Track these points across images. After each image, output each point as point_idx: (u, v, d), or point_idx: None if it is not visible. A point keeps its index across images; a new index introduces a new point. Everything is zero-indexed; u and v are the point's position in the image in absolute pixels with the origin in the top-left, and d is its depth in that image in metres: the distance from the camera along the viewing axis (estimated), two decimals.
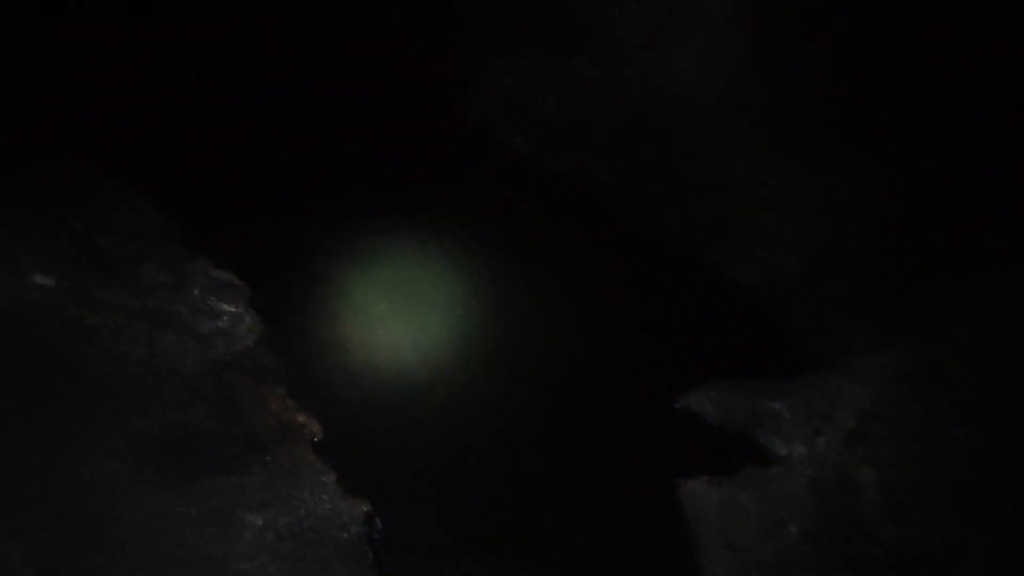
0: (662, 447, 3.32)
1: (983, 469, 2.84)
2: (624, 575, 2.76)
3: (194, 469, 2.41)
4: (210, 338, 2.98)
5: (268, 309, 3.28)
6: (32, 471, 2.27)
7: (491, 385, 3.31)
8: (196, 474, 2.39)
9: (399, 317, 3.56)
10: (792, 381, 3.45)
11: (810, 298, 4.08)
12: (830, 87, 4.81)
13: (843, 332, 3.79)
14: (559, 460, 3.11)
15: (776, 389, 3.40)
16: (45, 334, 2.66)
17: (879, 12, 4.44)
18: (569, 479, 3.05)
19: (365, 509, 2.52)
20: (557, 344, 3.65)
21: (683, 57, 5.53)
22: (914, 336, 3.33)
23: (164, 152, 4.26)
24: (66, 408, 2.47)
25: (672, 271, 4.50)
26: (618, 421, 3.41)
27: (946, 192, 3.75)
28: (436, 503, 2.81)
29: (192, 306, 3.10)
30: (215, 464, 2.46)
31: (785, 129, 5.06)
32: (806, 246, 4.42)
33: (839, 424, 3.16)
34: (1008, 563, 2.57)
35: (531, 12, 6.31)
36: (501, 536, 2.77)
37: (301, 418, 2.85)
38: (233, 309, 3.19)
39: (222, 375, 2.83)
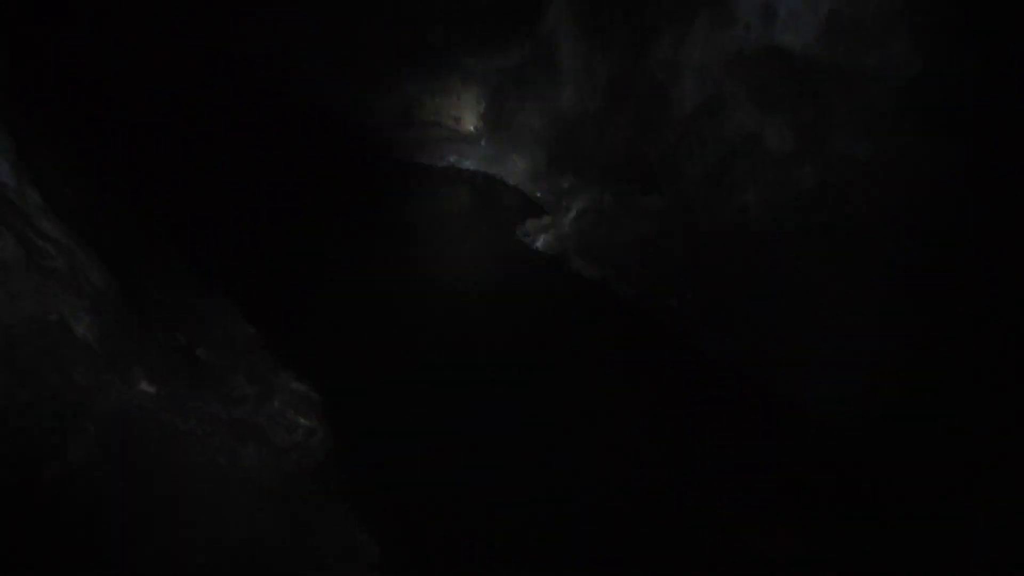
0: None
1: None
2: None
3: None
4: (286, 451, 3.11)
5: (340, 424, 3.42)
6: None
7: (554, 512, 3.22)
8: None
9: (468, 441, 3.60)
10: (871, 532, 3.18)
11: (888, 441, 3.81)
12: (898, 220, 4.81)
13: (925, 486, 3.48)
14: None
15: (855, 540, 3.13)
16: (142, 437, 2.87)
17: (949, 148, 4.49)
18: None
19: None
20: (621, 474, 3.54)
21: (748, 192, 5.74)
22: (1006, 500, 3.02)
23: (260, 270, 4.77)
24: (150, 512, 2.60)
25: (740, 398, 4.38)
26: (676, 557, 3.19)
27: None
28: None
29: (272, 418, 3.27)
30: None
31: (856, 260, 5.02)
32: (883, 383, 4.21)
33: None
34: None
35: (605, 156, 6.81)
36: None
37: (362, 537, 2.86)
38: (308, 423, 3.35)
39: (293, 488, 2.93)
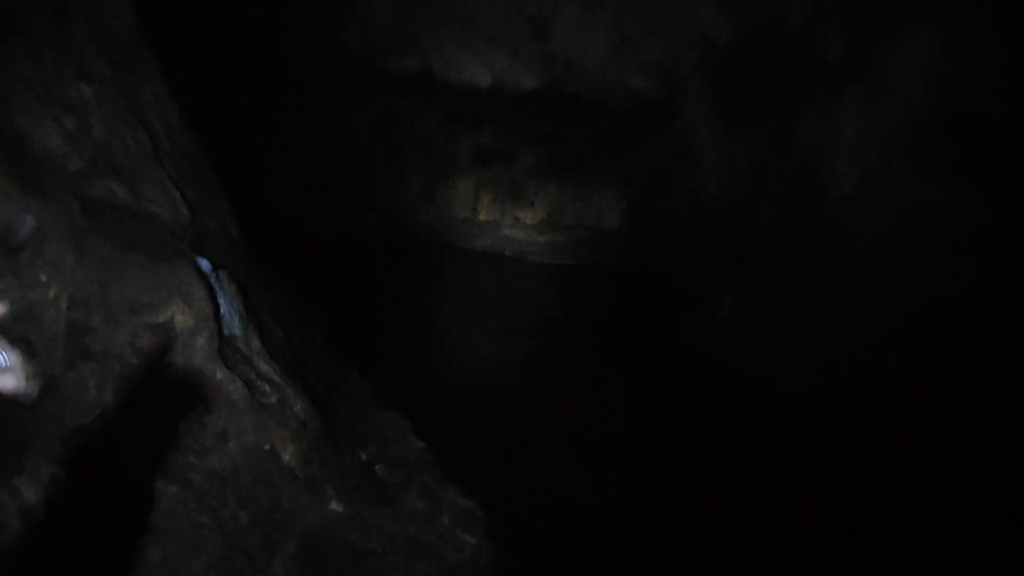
0: None
1: None
2: None
3: None
4: (455, 570, 3.21)
5: (506, 544, 3.47)
6: None
7: None
8: None
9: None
10: None
11: None
12: None
13: None
14: None
15: None
16: (332, 554, 3.15)
17: None
18: None
19: None
20: None
21: (938, 268, 5.10)
22: None
23: (432, 386, 5.15)
24: None
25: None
26: None
27: None
28: None
29: (441, 535, 3.42)
30: None
31: None
32: None
33: None
34: None
35: (756, 242, 6.57)
36: None
37: None
38: (474, 540, 3.44)
39: None
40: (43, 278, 2.42)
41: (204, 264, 2.94)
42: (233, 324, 3.10)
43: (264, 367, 3.18)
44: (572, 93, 8.61)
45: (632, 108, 8.42)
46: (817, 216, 6.00)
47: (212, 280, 2.95)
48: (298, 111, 8.77)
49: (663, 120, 8.12)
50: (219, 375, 2.79)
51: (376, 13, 8.16)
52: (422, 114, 8.68)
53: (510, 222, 8.48)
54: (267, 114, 8.64)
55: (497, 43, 8.27)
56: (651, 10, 7.79)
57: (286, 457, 3.05)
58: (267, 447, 2.99)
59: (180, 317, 2.66)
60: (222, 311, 3.01)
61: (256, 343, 3.22)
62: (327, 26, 8.28)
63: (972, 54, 5.25)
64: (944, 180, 5.22)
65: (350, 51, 8.40)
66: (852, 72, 6.00)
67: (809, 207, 6.24)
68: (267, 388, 3.10)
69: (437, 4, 7.97)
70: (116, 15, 3.12)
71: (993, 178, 4.88)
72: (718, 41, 7.48)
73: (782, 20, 6.69)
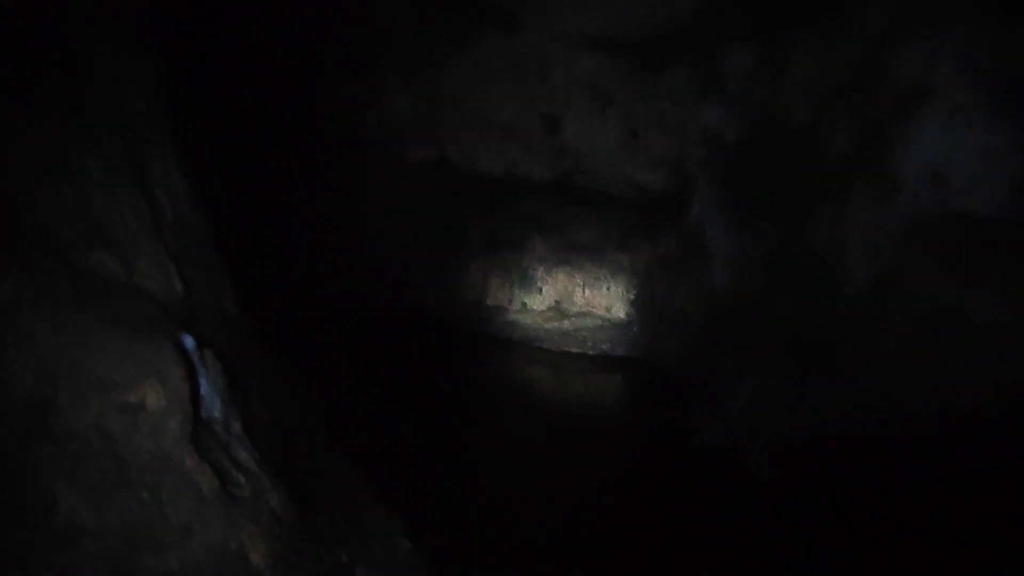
0: None
1: None
2: None
3: None
4: None
5: None
6: None
7: None
8: None
9: None
10: None
11: None
12: None
13: None
14: None
15: None
16: None
17: None
18: None
19: None
20: None
21: (964, 371, 4.84)
22: None
23: (426, 483, 4.80)
24: None
25: None
26: None
27: None
28: None
29: None
30: None
31: None
32: None
33: None
34: None
35: (771, 335, 6.37)
36: None
37: None
38: None
39: None
40: (11, 350, 2.27)
41: (188, 342, 2.79)
42: (213, 406, 2.90)
43: (242, 455, 2.94)
44: (582, 185, 8.76)
45: (641, 201, 8.53)
46: (835, 312, 5.83)
47: (195, 359, 2.79)
48: (315, 192, 8.97)
49: (673, 213, 8.18)
50: (189, 462, 2.57)
51: (396, 103, 8.51)
52: (436, 200, 8.83)
53: (518, 307, 8.37)
54: (284, 193, 8.83)
55: (511, 136, 8.53)
56: (659, 108, 8.06)
57: (255, 558, 2.74)
58: (234, 546, 2.69)
59: (153, 397, 2.48)
60: (202, 392, 2.82)
61: (237, 427, 3.00)
62: (349, 112, 8.62)
63: (979, 155, 5.27)
64: (964, 281, 5.07)
65: (369, 137, 8.69)
66: (861, 170, 6.03)
67: (825, 302, 6.08)
68: (242, 479, 2.85)
69: (454, 98, 8.31)
70: (133, 89, 3.17)
71: (1018, 282, 4.74)
72: (725, 138, 7.66)
73: (789, 118, 6.86)
